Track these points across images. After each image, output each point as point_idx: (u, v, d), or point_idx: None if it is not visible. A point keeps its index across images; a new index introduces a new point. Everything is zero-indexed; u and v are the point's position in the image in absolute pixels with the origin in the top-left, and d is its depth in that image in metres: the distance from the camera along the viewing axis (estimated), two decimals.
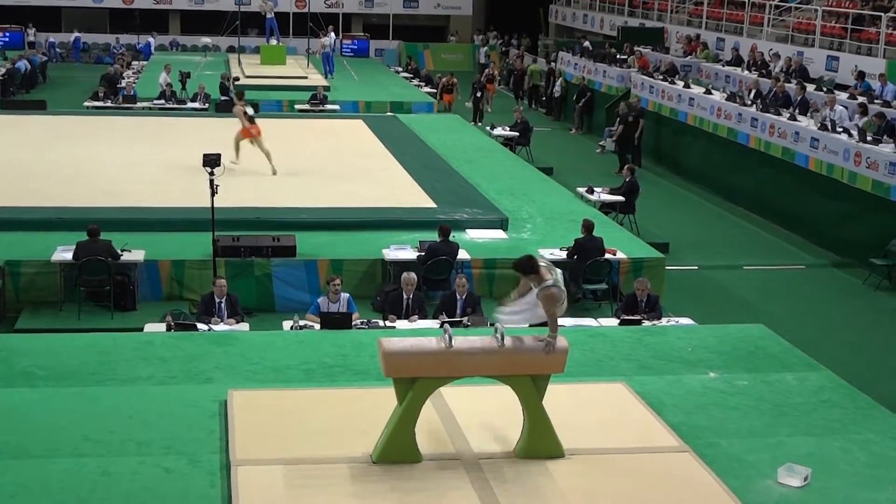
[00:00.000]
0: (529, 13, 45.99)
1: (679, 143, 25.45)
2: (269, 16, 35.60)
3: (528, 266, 8.49)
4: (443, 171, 20.27)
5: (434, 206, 17.44)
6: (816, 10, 26.92)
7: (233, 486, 8.00)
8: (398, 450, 8.39)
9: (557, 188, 20.02)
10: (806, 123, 20.42)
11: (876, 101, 21.29)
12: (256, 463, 8.34)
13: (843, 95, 21.88)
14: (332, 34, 35.83)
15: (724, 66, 28.31)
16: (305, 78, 32.42)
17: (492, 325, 8.86)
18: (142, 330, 12.08)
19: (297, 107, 28.13)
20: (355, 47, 43.00)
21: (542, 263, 8.53)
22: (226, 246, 14.55)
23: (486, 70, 35.02)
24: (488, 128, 26.26)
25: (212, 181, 13.62)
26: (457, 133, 25.01)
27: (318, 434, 8.88)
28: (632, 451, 8.84)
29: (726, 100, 23.35)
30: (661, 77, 27.23)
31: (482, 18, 49.06)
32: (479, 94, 30.96)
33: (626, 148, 25.16)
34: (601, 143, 27.74)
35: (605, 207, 19.00)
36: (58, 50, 42.62)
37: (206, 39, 40.00)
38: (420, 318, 12.72)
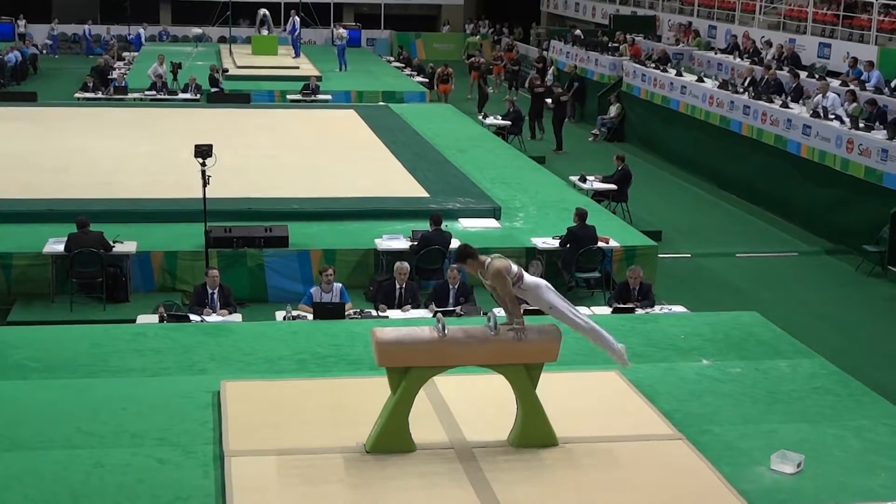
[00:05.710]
0: (522, 2, 45.88)
1: (671, 131, 25.42)
2: None
3: (466, 252, 8.42)
4: (435, 160, 20.24)
5: (427, 195, 17.41)
6: None
7: (226, 477, 7.99)
8: (392, 439, 8.38)
9: (550, 177, 20.01)
10: (798, 111, 20.41)
11: (868, 88, 21.27)
12: (250, 454, 8.33)
13: (835, 82, 21.88)
14: (296, 23, 35.42)
15: (716, 53, 28.30)
16: (297, 68, 32.35)
17: (485, 314, 8.84)
18: (134, 321, 12.04)
19: (289, 97, 28.09)
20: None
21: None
22: (218, 237, 14.52)
23: (472, 59, 34.77)
24: (480, 117, 26.22)
25: (203, 172, 13.61)
26: (449, 122, 24.97)
27: (311, 424, 8.88)
28: (625, 439, 8.84)
29: (718, 87, 23.34)
30: (653, 65, 27.19)
31: (474, 8, 48.95)
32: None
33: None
34: (594, 132, 27.75)
35: (598, 196, 18.99)
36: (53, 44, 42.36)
37: (197, 31, 39.82)
38: (413, 308, 12.72)
